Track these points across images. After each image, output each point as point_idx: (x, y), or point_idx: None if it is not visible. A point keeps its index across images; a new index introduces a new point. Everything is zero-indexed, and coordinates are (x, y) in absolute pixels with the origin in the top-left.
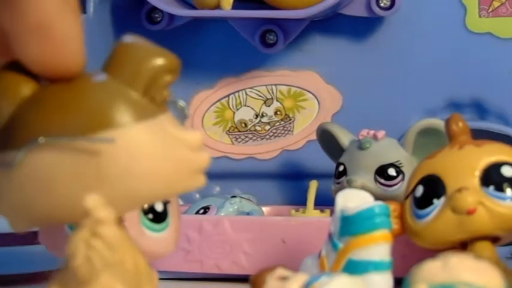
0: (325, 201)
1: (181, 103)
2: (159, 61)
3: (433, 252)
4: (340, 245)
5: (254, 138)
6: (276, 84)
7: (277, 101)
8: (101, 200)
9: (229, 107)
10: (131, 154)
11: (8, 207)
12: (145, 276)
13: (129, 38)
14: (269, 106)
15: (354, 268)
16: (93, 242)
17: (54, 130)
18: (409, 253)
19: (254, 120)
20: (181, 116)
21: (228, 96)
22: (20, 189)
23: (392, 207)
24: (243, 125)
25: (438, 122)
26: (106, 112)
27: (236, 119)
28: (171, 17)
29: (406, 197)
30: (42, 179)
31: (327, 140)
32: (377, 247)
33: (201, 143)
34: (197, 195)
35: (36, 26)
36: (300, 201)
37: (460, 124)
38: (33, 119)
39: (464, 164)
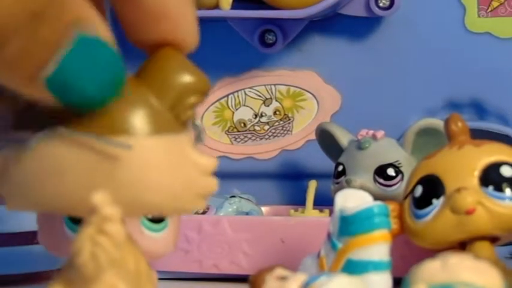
0: (324, 201)
1: (199, 125)
2: (188, 78)
3: (432, 252)
4: (339, 245)
5: (253, 138)
6: (275, 84)
7: (276, 101)
8: (109, 198)
9: (229, 107)
10: (144, 164)
11: (12, 185)
12: (145, 277)
13: (168, 48)
14: (268, 106)
15: (353, 268)
16: (99, 238)
17: (73, 122)
18: (408, 253)
19: (253, 120)
20: (198, 139)
21: (227, 96)
22: (30, 171)
23: (392, 207)
24: (242, 124)
25: (437, 122)
26: (127, 118)
27: (235, 119)
28: None
29: (405, 197)
30: (53, 167)
31: (326, 140)
32: (376, 247)
33: (213, 170)
34: None
35: (156, 10)
36: (299, 201)
37: (459, 124)
38: (56, 107)
39: (464, 164)
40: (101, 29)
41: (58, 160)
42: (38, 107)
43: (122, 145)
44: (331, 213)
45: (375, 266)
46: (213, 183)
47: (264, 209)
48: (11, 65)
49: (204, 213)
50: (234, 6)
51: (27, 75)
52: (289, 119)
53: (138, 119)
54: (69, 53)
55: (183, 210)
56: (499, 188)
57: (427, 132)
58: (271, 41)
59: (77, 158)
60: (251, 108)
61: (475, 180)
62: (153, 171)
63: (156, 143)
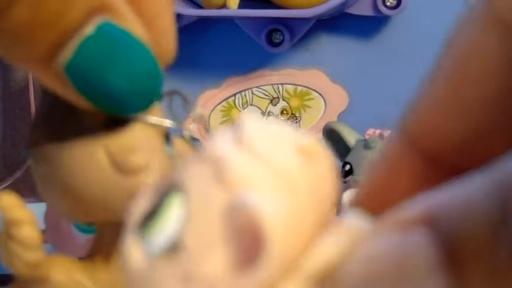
0: None
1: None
2: None
3: None
4: None
5: None
6: (282, 84)
7: (283, 100)
8: (15, 200)
9: (236, 106)
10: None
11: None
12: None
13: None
14: (275, 105)
15: None
16: (10, 244)
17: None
18: None
19: None
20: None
21: (234, 95)
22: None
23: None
24: None
25: None
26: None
27: None
28: (178, 16)
29: None
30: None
31: (333, 139)
32: None
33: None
34: None
35: (150, 17)
36: None
37: None
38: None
39: None
40: (130, 22)
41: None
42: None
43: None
44: (338, 213)
45: None
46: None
47: None
48: (19, 33)
49: None
50: (241, 6)
51: (39, 54)
52: (297, 118)
53: None
54: (90, 38)
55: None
56: None
57: None
58: (278, 41)
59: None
60: (258, 107)
61: None
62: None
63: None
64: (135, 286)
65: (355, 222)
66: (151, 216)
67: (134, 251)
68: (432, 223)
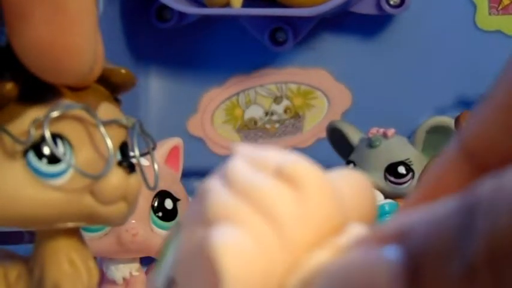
0: None
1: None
2: None
3: None
4: None
5: (264, 136)
6: (285, 82)
7: (286, 99)
8: None
9: (239, 105)
10: None
11: None
12: None
13: None
14: (279, 104)
15: None
16: None
17: None
18: None
19: (264, 118)
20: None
21: (237, 94)
22: None
23: (402, 205)
24: (253, 123)
25: (448, 120)
26: None
27: (246, 117)
28: (181, 15)
29: None
30: None
31: (336, 138)
32: None
33: None
34: None
35: None
36: None
37: None
38: None
39: None
40: None
41: None
42: None
43: None
44: None
45: None
46: None
47: None
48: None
49: None
50: (245, 5)
51: (62, 64)
52: (300, 117)
53: None
54: None
55: None
56: None
57: (437, 130)
58: (281, 39)
59: None
60: (262, 106)
61: None
62: None
63: None
64: None
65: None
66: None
67: None
68: (402, 239)
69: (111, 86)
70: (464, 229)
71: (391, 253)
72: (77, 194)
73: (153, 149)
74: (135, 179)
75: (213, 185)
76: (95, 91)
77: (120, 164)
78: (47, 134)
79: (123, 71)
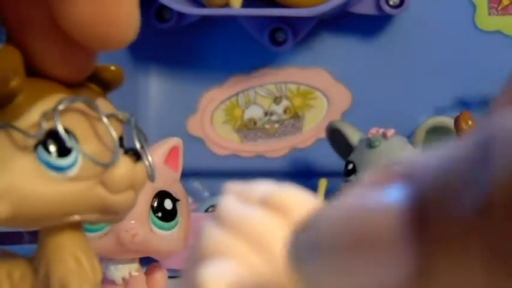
0: None
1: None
2: None
3: None
4: None
5: (263, 136)
6: (285, 83)
7: (286, 99)
8: None
9: (239, 105)
10: None
11: None
12: None
13: None
14: (278, 104)
15: None
16: None
17: None
18: None
19: (263, 118)
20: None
21: (237, 94)
22: None
23: None
24: (252, 123)
25: (447, 120)
26: None
27: (245, 117)
28: (181, 15)
29: None
30: None
31: (336, 138)
32: None
33: None
34: (206, 193)
35: None
36: None
37: (470, 122)
38: None
39: None
40: None
41: None
42: None
43: None
44: None
45: None
46: None
47: None
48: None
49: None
50: (244, 5)
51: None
52: (299, 118)
53: None
54: None
55: None
56: None
57: (437, 131)
58: (281, 40)
59: None
60: (261, 106)
61: None
62: None
63: None
64: None
65: None
66: None
67: None
68: (411, 177)
69: (102, 83)
70: (480, 160)
71: (396, 192)
72: (88, 185)
73: (145, 141)
74: (141, 167)
75: (206, 225)
76: (88, 88)
77: (126, 152)
78: (59, 126)
79: (112, 68)
